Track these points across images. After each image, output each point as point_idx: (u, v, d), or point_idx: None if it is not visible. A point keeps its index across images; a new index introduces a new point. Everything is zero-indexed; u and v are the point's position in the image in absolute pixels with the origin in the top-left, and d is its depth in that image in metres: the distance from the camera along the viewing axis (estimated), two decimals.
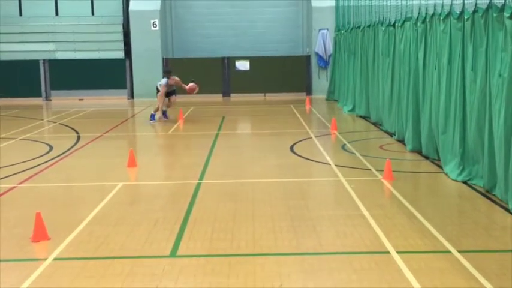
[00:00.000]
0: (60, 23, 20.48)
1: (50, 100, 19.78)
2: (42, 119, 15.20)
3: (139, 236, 5.37)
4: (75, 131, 12.45)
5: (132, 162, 8.53)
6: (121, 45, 20.17)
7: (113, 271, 4.55)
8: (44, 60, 19.80)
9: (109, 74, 19.81)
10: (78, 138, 11.44)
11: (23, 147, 10.63)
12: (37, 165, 8.73)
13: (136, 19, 19.55)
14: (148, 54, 19.51)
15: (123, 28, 20.33)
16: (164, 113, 13.87)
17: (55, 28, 20.36)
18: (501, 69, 6.07)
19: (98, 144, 10.89)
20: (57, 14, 20.88)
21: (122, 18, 20.57)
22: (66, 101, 19.05)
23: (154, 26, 19.61)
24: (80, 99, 19.44)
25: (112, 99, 19.39)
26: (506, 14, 5.88)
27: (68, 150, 10.10)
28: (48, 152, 9.87)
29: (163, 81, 13.56)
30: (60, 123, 13.86)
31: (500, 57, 6.10)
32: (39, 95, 19.76)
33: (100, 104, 18.22)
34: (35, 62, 19.71)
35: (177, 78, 13.80)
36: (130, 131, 13.62)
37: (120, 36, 20.27)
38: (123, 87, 19.95)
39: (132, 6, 19.62)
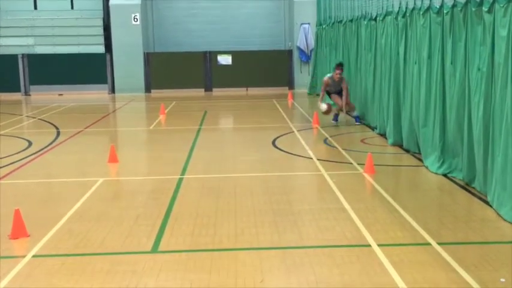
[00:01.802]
0: (39, 17, 20.19)
1: (29, 95, 19.51)
2: (21, 115, 14.98)
3: (120, 232, 5.33)
4: (55, 126, 12.30)
5: (113, 158, 8.46)
6: (101, 40, 19.96)
7: (93, 268, 4.51)
8: (22, 54, 19.51)
9: (89, 69, 19.60)
10: (58, 133, 11.31)
11: (2, 143, 10.47)
12: (16, 161, 8.61)
13: (117, 13, 19.35)
14: (129, 48, 19.33)
15: (104, 22, 20.11)
16: (335, 117, 11.91)
17: (34, 22, 20.07)
18: (480, 63, 6.13)
19: (78, 139, 10.77)
20: (35, 8, 20.58)
21: (102, 12, 20.35)
22: (45, 96, 18.80)
23: (135, 20, 19.44)
24: (59, 94, 19.21)
25: (92, 94, 19.20)
26: (485, 9, 5.93)
27: (48, 145, 9.97)
28: (27, 148, 9.74)
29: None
30: (39, 119, 13.68)
31: (479, 52, 6.16)
32: (18, 90, 19.47)
33: (80, 99, 18.03)
34: (14, 57, 19.40)
35: (344, 78, 11.77)
36: (111, 126, 13.50)
37: (101, 31, 20.06)
38: (104, 81, 19.75)
39: (113, 0, 19.41)
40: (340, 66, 11.77)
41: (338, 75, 11.62)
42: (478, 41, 6.18)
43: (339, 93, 11.77)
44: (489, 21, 5.85)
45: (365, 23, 11.58)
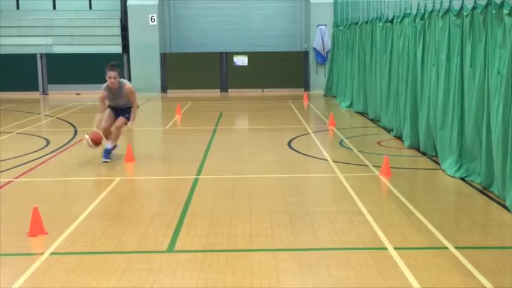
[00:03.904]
0: (58, 17, 20.41)
1: (47, 94, 19.73)
2: (39, 113, 15.16)
3: (136, 231, 5.36)
4: (72, 125, 12.42)
5: (129, 157, 8.51)
6: (119, 40, 20.11)
7: (109, 266, 4.54)
8: (41, 54, 19.74)
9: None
10: (76, 132, 11.42)
11: (20, 141, 10.60)
12: (34, 160, 8.71)
13: (134, 14, 19.49)
14: (146, 49, 19.46)
15: (121, 22, 20.27)
16: (107, 151, 8.37)
17: (52, 22, 20.29)
18: (500, 67, 6.06)
19: None
20: (54, 8, 20.81)
21: (119, 12, 20.50)
22: (63, 95, 19.00)
23: (153, 20, 19.55)
24: (77, 94, 19.39)
25: None
26: (505, 11, 5.87)
27: (65, 144, 10.07)
28: (45, 146, 9.85)
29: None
30: (57, 118, 13.82)
31: (499, 55, 6.09)
32: (36, 89, 19.71)
33: (97, 99, 18.12)
34: (32, 56, 19.65)
35: (127, 85, 8.33)
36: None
37: (118, 31, 20.21)
38: None
39: (130, 1, 19.56)
40: (113, 68, 8.22)
41: (112, 80, 8.13)
42: (498, 44, 6.12)
43: (123, 110, 8.39)
44: (510, 23, 5.79)
45: (380, 25, 11.52)
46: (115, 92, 8.36)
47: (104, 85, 8.38)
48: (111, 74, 8.21)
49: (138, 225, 5.56)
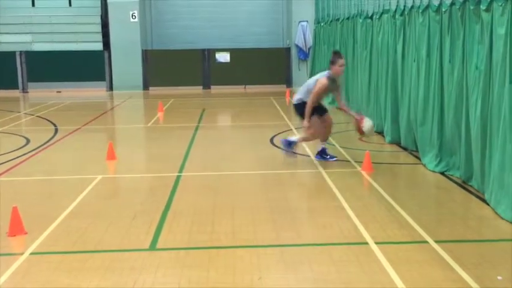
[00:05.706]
0: (37, 14, 20.14)
1: (27, 92, 19.48)
2: (19, 112, 14.96)
3: (118, 230, 5.33)
4: (53, 123, 12.29)
5: (111, 155, 8.46)
6: (99, 37, 19.92)
7: (91, 265, 4.52)
8: (20, 51, 19.46)
9: (87, 66, 19.57)
10: (56, 131, 11.30)
11: (0, 140, 10.46)
12: (14, 159, 8.60)
13: (115, 10, 19.32)
14: (127, 46, 19.31)
15: (102, 19, 20.07)
16: (323, 152, 8.01)
17: (32, 19, 20.02)
18: (477, 62, 6.14)
19: (77, 137, 10.77)
20: (33, 4, 20.51)
21: (100, 9, 20.31)
22: (43, 93, 18.77)
23: (134, 17, 19.41)
24: (57, 92, 19.18)
25: (90, 92, 19.18)
26: (483, 7, 5.94)
27: (46, 143, 9.97)
28: (25, 145, 9.73)
29: (322, 75, 7.48)
30: (37, 116, 13.66)
31: (477, 50, 6.17)
32: (15, 87, 19.44)
33: (78, 96, 18.01)
34: (11, 54, 19.37)
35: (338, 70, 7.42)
36: (110, 123, 13.48)
37: (99, 28, 20.02)
38: (102, 79, 19.73)
39: None
40: (341, 54, 7.68)
41: (343, 68, 7.53)
42: (476, 40, 6.19)
43: (322, 108, 7.71)
44: (487, 19, 5.86)
45: (360, 21, 11.59)
46: (334, 83, 7.43)
47: (327, 74, 7.28)
48: (342, 61, 7.37)
49: (120, 223, 5.53)
